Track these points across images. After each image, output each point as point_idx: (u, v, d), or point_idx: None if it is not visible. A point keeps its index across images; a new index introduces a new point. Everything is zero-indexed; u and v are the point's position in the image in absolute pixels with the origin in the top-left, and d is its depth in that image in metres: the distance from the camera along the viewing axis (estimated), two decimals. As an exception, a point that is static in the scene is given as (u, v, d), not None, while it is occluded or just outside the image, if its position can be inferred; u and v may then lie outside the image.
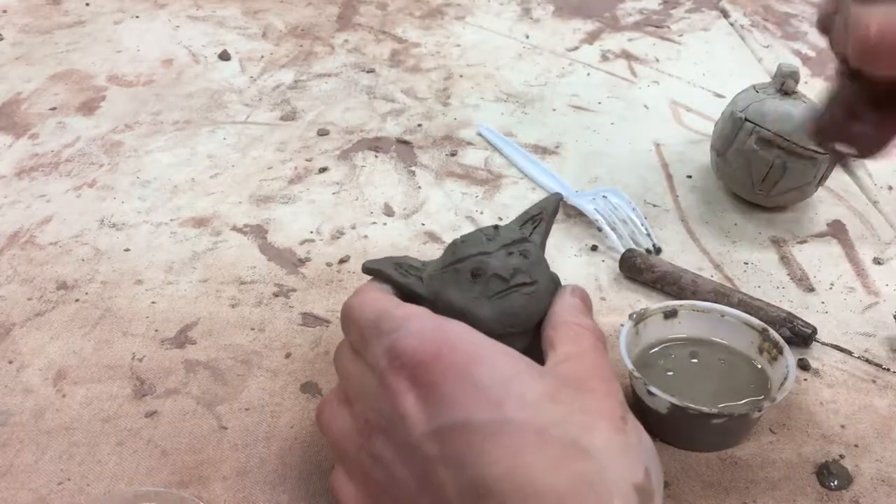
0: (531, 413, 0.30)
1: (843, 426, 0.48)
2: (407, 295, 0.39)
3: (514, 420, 0.30)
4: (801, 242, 0.64)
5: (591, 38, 1.02)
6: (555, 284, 0.40)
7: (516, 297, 0.37)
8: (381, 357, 0.34)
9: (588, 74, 0.92)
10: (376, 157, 0.76)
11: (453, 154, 0.76)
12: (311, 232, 0.65)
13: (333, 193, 0.70)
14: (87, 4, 1.11)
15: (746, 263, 0.61)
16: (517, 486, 0.29)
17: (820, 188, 0.66)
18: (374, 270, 0.40)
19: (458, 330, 0.34)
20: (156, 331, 0.54)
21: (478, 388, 0.31)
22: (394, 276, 0.40)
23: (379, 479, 0.34)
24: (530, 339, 0.38)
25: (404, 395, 0.32)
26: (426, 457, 0.31)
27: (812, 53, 0.98)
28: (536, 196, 0.69)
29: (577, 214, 0.66)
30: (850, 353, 0.52)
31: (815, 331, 0.52)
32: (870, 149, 0.37)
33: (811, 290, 0.59)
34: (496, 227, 0.40)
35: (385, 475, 0.33)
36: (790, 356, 0.46)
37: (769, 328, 0.48)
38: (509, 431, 0.30)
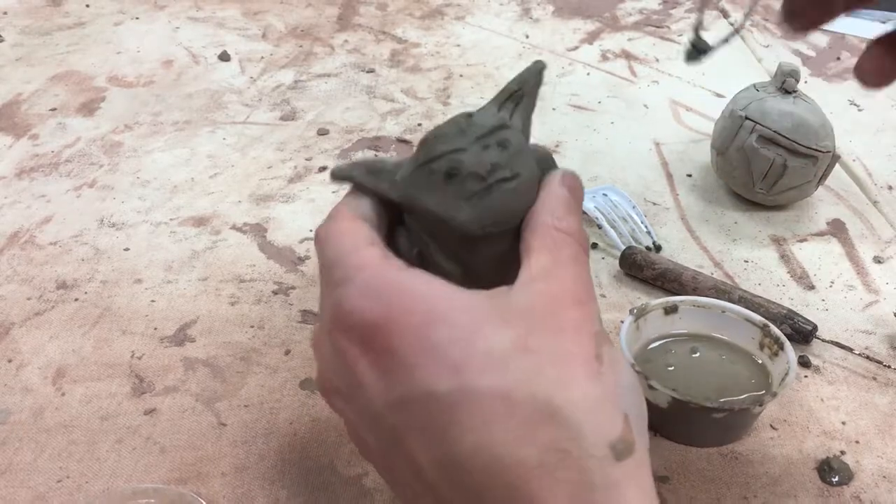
0: (497, 374, 0.27)
1: (843, 422, 0.48)
2: (385, 202, 0.36)
3: (477, 387, 0.27)
4: (801, 241, 0.64)
5: (591, 37, 1.02)
6: (542, 170, 0.36)
7: (496, 195, 0.33)
8: (328, 311, 0.31)
9: (588, 74, 0.92)
10: (376, 156, 0.76)
11: (453, 153, 0.76)
12: (311, 230, 0.64)
13: (333, 192, 0.70)
14: (88, 6, 1.11)
15: (746, 261, 0.61)
16: (486, 462, 0.27)
17: (820, 187, 0.66)
18: (344, 176, 0.36)
19: (411, 284, 0.30)
20: (155, 329, 0.54)
21: (437, 352, 0.28)
22: (364, 181, 0.36)
23: (350, 432, 0.32)
24: (513, 237, 0.34)
25: (357, 361, 0.29)
26: (392, 426, 0.29)
27: (812, 53, 0.98)
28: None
29: (577, 213, 0.66)
30: (850, 350, 0.52)
31: (815, 328, 0.52)
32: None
33: (811, 287, 0.59)
34: (470, 114, 0.35)
35: (354, 434, 0.32)
36: (791, 352, 0.46)
37: (770, 324, 0.48)
38: (474, 400, 0.27)
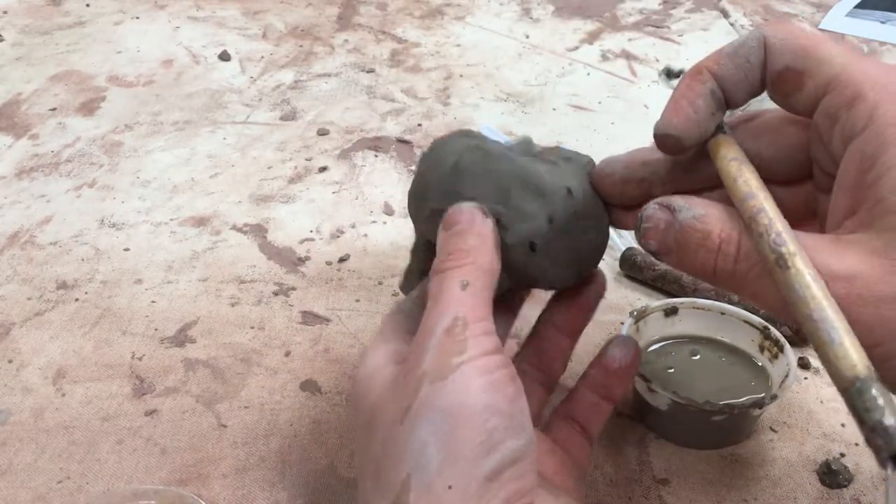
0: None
1: (843, 425, 0.48)
2: None
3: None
4: (802, 241, 0.64)
5: (591, 37, 1.02)
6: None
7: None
8: None
9: (588, 74, 0.92)
10: (376, 156, 0.76)
11: (453, 154, 0.76)
12: (311, 231, 0.65)
13: (333, 193, 0.70)
14: (88, 5, 1.11)
15: (747, 262, 0.61)
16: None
17: (820, 187, 0.66)
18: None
19: (368, 385, 0.35)
20: (155, 329, 0.54)
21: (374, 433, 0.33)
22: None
23: None
24: None
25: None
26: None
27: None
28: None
29: (577, 213, 0.66)
30: (850, 351, 0.52)
31: (815, 329, 0.52)
32: None
33: (812, 288, 0.59)
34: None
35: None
36: (791, 354, 0.46)
37: (770, 326, 0.48)
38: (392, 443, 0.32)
